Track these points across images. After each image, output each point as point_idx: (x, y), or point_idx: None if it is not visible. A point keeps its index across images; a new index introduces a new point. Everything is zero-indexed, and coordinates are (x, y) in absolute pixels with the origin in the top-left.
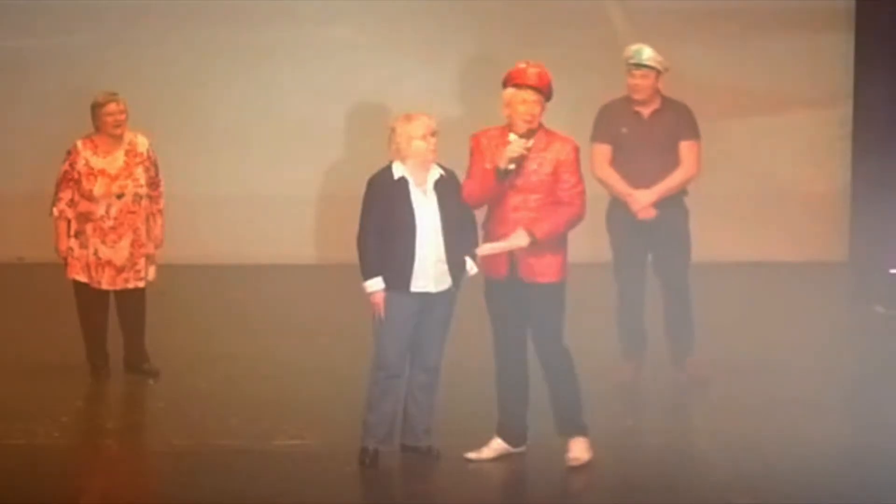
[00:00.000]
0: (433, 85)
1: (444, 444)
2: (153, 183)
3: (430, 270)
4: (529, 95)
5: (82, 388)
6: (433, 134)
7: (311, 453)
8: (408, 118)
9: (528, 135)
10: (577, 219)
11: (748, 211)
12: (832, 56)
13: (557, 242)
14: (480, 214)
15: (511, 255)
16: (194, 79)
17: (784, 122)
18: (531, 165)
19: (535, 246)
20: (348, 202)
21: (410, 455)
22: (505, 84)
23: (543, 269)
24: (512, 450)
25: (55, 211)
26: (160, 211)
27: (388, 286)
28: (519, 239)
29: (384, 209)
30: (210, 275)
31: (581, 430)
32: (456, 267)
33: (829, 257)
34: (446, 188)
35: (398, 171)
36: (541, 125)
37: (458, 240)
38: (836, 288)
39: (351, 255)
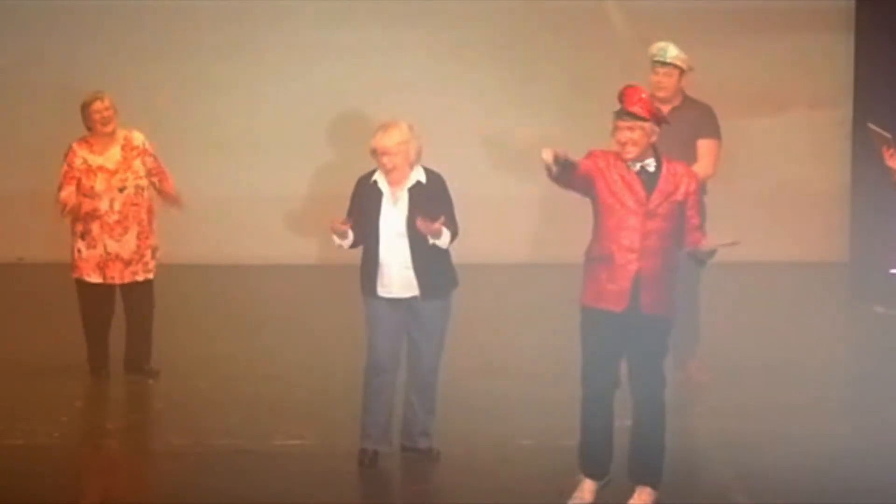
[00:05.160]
0: (431, 86)
1: (443, 444)
2: (157, 172)
3: (395, 276)
4: (626, 121)
5: (82, 388)
6: (388, 153)
7: (310, 453)
8: (381, 127)
9: (639, 158)
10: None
11: (748, 211)
12: (832, 56)
13: (675, 275)
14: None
15: (635, 286)
16: (193, 80)
17: (784, 122)
18: (666, 190)
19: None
20: (347, 202)
21: (410, 455)
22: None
23: (663, 302)
24: (598, 484)
25: (62, 195)
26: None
27: (362, 290)
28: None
29: (356, 211)
30: (210, 275)
31: (653, 481)
32: (422, 275)
33: (828, 257)
34: (423, 194)
35: (376, 174)
36: (656, 150)
37: (426, 250)
38: (835, 288)
39: (350, 255)
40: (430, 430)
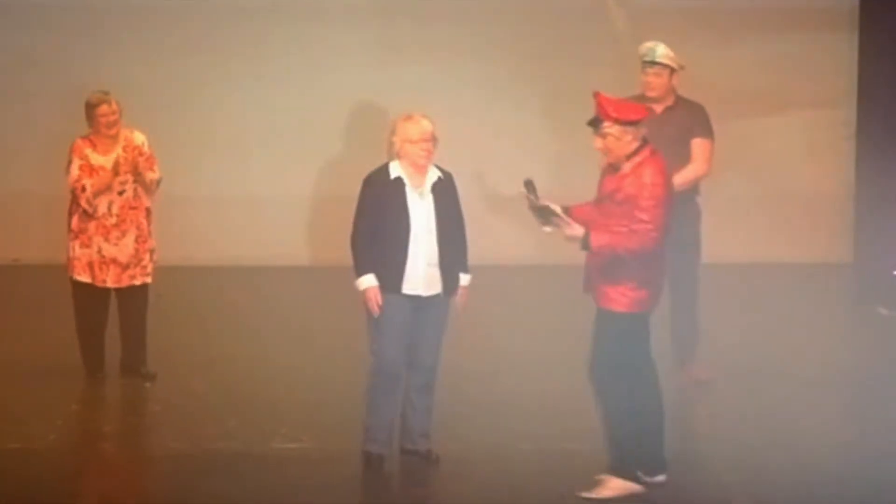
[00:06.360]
0: (431, 85)
1: (443, 448)
2: (146, 161)
3: (421, 274)
4: (596, 128)
5: (78, 390)
6: (430, 139)
7: (309, 457)
8: (408, 119)
9: (618, 160)
10: (635, 250)
11: (751, 212)
12: (836, 56)
13: (612, 270)
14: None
15: (587, 279)
16: (191, 80)
17: (787, 123)
18: (608, 190)
19: (588, 251)
20: (347, 203)
21: (409, 459)
22: None
23: (603, 296)
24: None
25: (85, 201)
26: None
27: (381, 287)
28: (577, 228)
29: (379, 209)
30: (207, 276)
31: (613, 470)
32: (447, 272)
33: (832, 259)
34: (443, 191)
35: (395, 170)
36: (643, 151)
37: (451, 247)
38: (839, 289)
39: (349, 256)
40: (429, 430)
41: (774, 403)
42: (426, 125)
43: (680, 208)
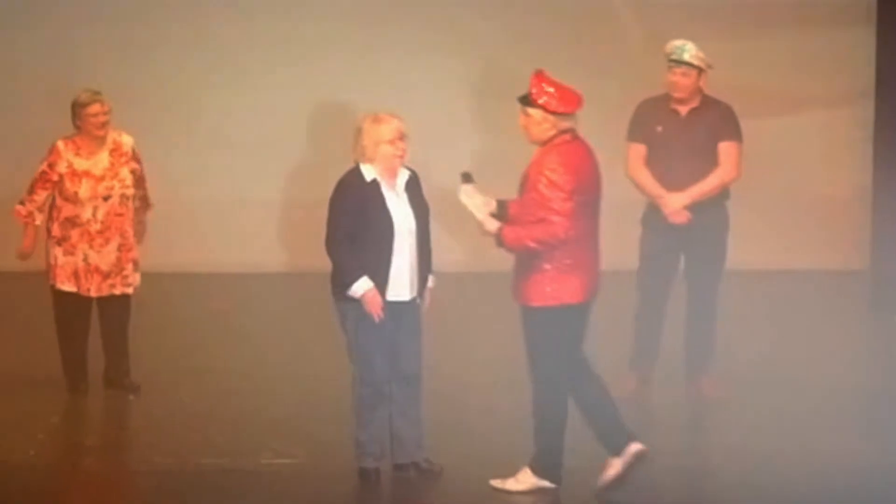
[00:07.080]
0: (407, 86)
1: (441, 462)
2: (139, 181)
3: (405, 277)
4: (523, 104)
5: (59, 403)
6: (402, 138)
7: (301, 473)
8: (376, 120)
9: (536, 144)
10: (543, 240)
11: (764, 216)
12: (852, 53)
13: (528, 264)
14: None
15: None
16: (168, 83)
17: (802, 123)
18: (523, 180)
19: (500, 244)
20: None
21: (405, 474)
22: None
23: (518, 290)
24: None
25: (23, 211)
26: (148, 206)
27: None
28: (490, 223)
29: (357, 213)
30: (193, 284)
31: (530, 465)
32: (423, 274)
33: (848, 265)
34: (414, 190)
35: (369, 172)
36: (556, 139)
37: (425, 248)
38: (855, 297)
39: None
40: (423, 440)
41: (788, 415)
42: (397, 124)
43: (706, 214)
